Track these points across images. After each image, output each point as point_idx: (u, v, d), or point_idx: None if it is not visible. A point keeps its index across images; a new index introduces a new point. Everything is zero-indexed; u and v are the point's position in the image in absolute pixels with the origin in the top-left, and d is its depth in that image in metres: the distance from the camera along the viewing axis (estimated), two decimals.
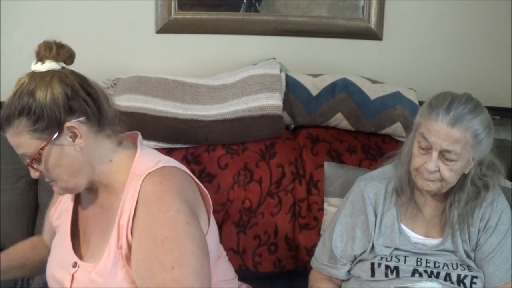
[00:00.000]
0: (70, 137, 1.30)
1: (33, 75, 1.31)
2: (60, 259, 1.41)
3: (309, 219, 1.98)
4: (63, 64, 1.34)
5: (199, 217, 1.36)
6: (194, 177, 1.41)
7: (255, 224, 1.95)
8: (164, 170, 1.33)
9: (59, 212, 1.50)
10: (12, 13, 2.14)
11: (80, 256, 1.38)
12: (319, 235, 1.94)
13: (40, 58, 1.33)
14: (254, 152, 1.97)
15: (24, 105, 1.28)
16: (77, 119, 1.30)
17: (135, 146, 1.41)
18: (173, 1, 2.19)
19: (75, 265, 1.36)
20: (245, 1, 2.25)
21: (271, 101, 1.97)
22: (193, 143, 1.96)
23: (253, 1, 2.25)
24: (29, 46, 2.15)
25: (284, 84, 2.03)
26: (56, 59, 1.34)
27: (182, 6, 2.20)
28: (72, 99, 1.30)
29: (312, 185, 1.99)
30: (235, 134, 1.97)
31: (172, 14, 2.20)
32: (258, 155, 1.97)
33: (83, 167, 1.33)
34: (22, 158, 1.33)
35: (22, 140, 1.29)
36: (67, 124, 1.29)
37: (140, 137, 1.44)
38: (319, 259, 1.73)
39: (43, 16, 2.16)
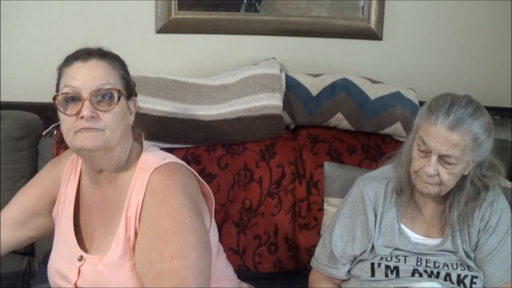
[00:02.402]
0: (129, 108, 1.41)
1: None
2: (64, 253, 1.43)
3: (309, 219, 1.98)
4: None
5: (202, 212, 1.40)
6: (197, 174, 1.45)
7: (255, 224, 1.95)
8: (171, 165, 1.39)
9: (62, 206, 1.50)
10: (12, 13, 2.14)
11: (85, 250, 1.40)
12: (319, 235, 1.94)
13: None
14: (254, 152, 1.97)
15: (120, 59, 1.41)
16: (136, 100, 1.45)
17: (141, 145, 1.47)
18: (173, 1, 2.19)
19: (81, 258, 1.39)
20: (245, 1, 2.25)
21: (271, 101, 1.97)
22: (193, 143, 1.96)
23: (253, 1, 2.25)
24: (29, 46, 2.18)
25: (284, 84, 2.03)
26: None
27: (182, 6, 2.20)
28: (134, 85, 1.45)
29: (312, 185, 1.99)
30: (235, 134, 1.97)
31: (172, 14, 2.20)
32: (258, 155, 1.97)
33: (125, 139, 1.40)
34: (89, 88, 1.31)
35: (114, 74, 1.37)
36: (133, 96, 1.44)
37: (143, 136, 1.50)
38: (319, 259, 1.73)
39: (43, 16, 2.16)
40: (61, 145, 1.91)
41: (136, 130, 1.48)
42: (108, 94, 1.33)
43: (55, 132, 1.98)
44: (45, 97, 2.12)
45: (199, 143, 1.96)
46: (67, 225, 1.45)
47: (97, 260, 1.35)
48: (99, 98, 1.32)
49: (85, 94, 1.31)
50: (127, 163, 1.41)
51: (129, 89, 1.41)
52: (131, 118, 1.42)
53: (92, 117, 1.31)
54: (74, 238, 1.42)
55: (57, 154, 1.90)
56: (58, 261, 1.44)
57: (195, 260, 1.27)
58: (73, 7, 2.16)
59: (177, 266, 1.25)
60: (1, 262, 1.94)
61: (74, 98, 1.32)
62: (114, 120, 1.34)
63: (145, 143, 1.48)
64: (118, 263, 1.32)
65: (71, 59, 1.35)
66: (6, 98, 2.14)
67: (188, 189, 1.36)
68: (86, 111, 1.30)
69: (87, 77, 1.32)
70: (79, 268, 1.37)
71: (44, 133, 1.99)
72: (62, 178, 1.52)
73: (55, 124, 1.99)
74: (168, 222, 1.29)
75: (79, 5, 2.16)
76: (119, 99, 1.34)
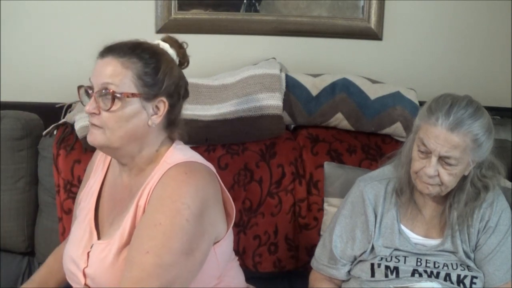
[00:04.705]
0: (153, 109, 1.37)
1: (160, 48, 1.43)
2: (79, 240, 1.44)
3: (309, 219, 1.98)
4: (177, 61, 1.47)
5: (215, 222, 1.39)
6: (221, 182, 1.44)
7: (255, 224, 1.95)
8: (193, 164, 1.38)
9: (85, 194, 1.52)
10: (12, 13, 2.14)
11: (99, 238, 1.42)
12: (319, 235, 1.94)
13: (168, 43, 1.46)
14: (254, 152, 1.97)
15: (149, 56, 1.37)
16: (168, 103, 1.38)
17: (172, 141, 1.47)
18: (173, 1, 2.19)
19: (92, 246, 1.40)
20: (245, 1, 2.25)
21: (271, 101, 1.97)
22: (193, 143, 1.96)
23: (253, 1, 2.25)
24: (29, 46, 2.18)
25: (284, 84, 2.03)
26: (177, 53, 1.47)
27: (182, 6, 2.20)
28: (177, 87, 1.41)
29: (312, 185, 1.99)
30: (235, 134, 1.97)
31: (172, 14, 2.20)
32: (258, 155, 1.97)
33: (136, 141, 1.38)
34: (97, 85, 1.33)
35: (123, 74, 1.33)
36: (162, 98, 1.37)
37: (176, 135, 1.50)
38: (319, 259, 1.73)
39: (43, 16, 2.16)
40: (61, 145, 1.91)
41: (177, 132, 1.47)
42: (108, 93, 1.32)
43: (55, 132, 1.98)
44: (45, 97, 2.15)
45: (199, 143, 1.96)
46: (87, 213, 1.46)
47: (104, 245, 1.36)
48: (102, 96, 1.33)
49: (94, 90, 1.35)
50: (154, 159, 1.41)
51: (154, 90, 1.36)
52: (155, 120, 1.37)
53: (94, 113, 1.34)
54: (94, 227, 1.43)
55: (57, 154, 1.90)
56: (73, 248, 1.45)
57: (168, 263, 1.26)
58: (73, 7, 2.16)
59: (147, 261, 1.25)
60: (1, 262, 1.95)
61: (89, 92, 1.37)
62: (113, 120, 1.33)
63: (177, 140, 1.48)
64: (123, 249, 1.33)
65: (98, 54, 1.38)
66: (6, 98, 2.14)
67: (202, 192, 1.34)
68: (87, 106, 1.35)
69: (98, 74, 1.35)
70: (88, 254, 1.39)
71: (44, 133, 1.99)
72: (93, 169, 1.55)
73: (55, 124, 1.99)
74: (163, 218, 1.28)
75: (79, 5, 2.16)
76: (113, 100, 1.32)
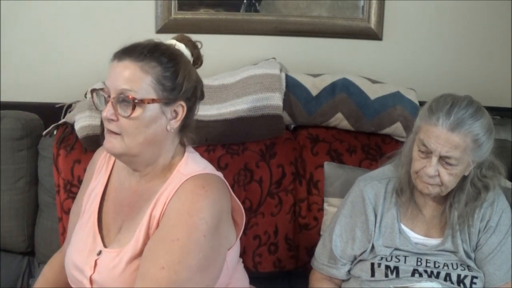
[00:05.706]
0: (171, 113, 1.35)
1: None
2: (82, 246, 1.41)
3: (309, 219, 1.98)
4: (191, 61, 1.44)
5: (228, 233, 1.39)
6: (231, 191, 1.43)
7: (255, 224, 1.95)
8: (210, 177, 1.37)
9: (87, 197, 1.50)
10: (12, 13, 2.14)
11: (105, 245, 1.39)
12: (319, 235, 1.94)
13: (183, 43, 1.43)
14: (254, 152, 1.97)
15: (168, 60, 1.33)
16: (186, 106, 1.36)
17: (184, 148, 1.45)
18: (173, 1, 2.19)
19: (99, 253, 1.38)
20: (245, 1, 2.25)
21: (271, 101, 1.97)
22: (193, 143, 1.96)
23: (253, 1, 2.25)
24: (29, 47, 2.18)
25: (284, 84, 2.03)
26: (192, 53, 1.43)
27: (182, 6, 2.20)
28: (195, 90, 1.39)
29: (312, 185, 1.99)
30: (235, 134, 1.97)
31: (172, 14, 2.20)
32: (258, 155, 1.97)
33: (155, 147, 1.35)
34: (114, 90, 1.29)
35: (142, 79, 1.30)
36: (181, 102, 1.35)
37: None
38: (319, 259, 1.73)
39: (43, 16, 2.16)
40: (61, 145, 1.91)
41: (189, 135, 1.45)
42: (127, 100, 1.29)
43: (55, 132, 1.98)
44: (45, 97, 2.15)
45: (199, 143, 1.95)
46: (90, 217, 1.44)
47: (115, 254, 1.34)
48: (120, 101, 1.30)
49: (111, 95, 1.31)
50: (168, 168, 1.39)
51: (173, 94, 1.33)
52: (173, 124, 1.35)
53: (112, 119, 1.30)
54: (97, 232, 1.41)
55: (57, 154, 1.90)
56: (75, 253, 1.42)
57: (183, 279, 1.25)
58: (73, 7, 2.16)
59: (162, 277, 1.24)
60: (1, 262, 1.95)
61: (105, 97, 1.33)
62: (132, 127, 1.30)
63: (188, 147, 1.46)
64: (135, 259, 1.32)
65: (113, 55, 1.34)
66: (6, 98, 2.14)
67: (218, 206, 1.33)
68: (105, 113, 1.31)
69: (115, 78, 1.30)
70: (96, 261, 1.36)
71: (44, 133, 1.99)
72: (95, 170, 1.52)
73: (55, 124, 1.99)
74: (180, 233, 1.27)
75: (79, 5, 2.16)
76: (133, 107, 1.28)
